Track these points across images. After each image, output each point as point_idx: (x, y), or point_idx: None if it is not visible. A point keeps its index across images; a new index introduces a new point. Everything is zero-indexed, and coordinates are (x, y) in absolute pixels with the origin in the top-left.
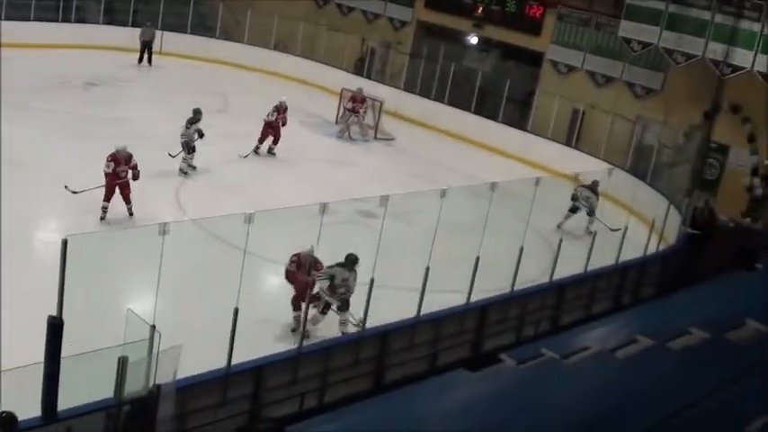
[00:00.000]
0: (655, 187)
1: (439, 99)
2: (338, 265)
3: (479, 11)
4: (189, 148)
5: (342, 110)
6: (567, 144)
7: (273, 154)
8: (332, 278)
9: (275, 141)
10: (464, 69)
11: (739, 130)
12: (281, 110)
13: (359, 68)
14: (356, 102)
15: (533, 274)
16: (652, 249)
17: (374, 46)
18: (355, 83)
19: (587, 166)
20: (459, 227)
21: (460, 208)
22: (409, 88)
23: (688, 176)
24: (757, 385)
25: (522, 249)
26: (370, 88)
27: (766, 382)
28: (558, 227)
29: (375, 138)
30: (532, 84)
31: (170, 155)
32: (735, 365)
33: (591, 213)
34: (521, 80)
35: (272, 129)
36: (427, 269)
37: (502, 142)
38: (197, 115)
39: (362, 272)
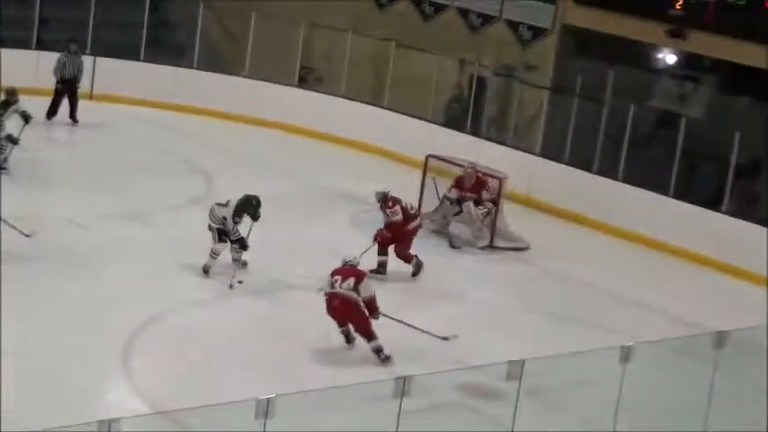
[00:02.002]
0: None
1: (607, 172)
2: None
3: (678, 5)
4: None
5: (439, 198)
6: None
7: None
8: None
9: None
10: (653, 114)
11: None
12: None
13: (453, 113)
14: (464, 188)
15: None
16: None
17: (484, 74)
18: (446, 141)
19: None
20: None
21: None
22: (551, 152)
23: None
24: None
25: None
26: (475, 151)
27: None
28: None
29: (492, 245)
30: None
31: None
32: None
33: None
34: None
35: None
36: None
37: None
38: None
39: None
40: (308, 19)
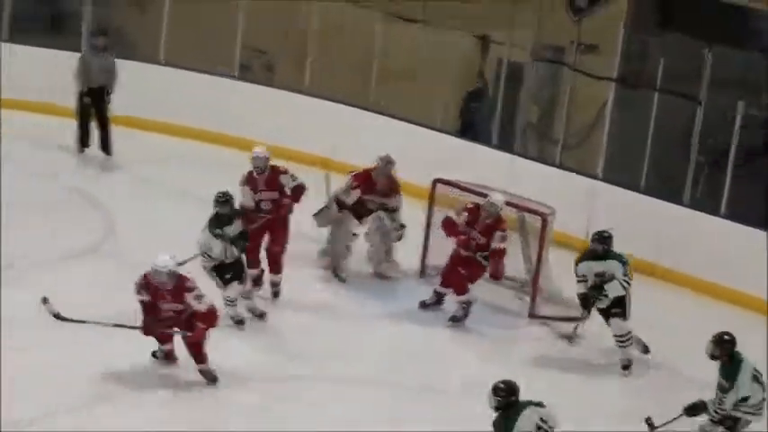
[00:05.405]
0: None
1: (704, 204)
2: None
3: None
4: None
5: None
6: None
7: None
8: None
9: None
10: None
11: None
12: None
13: (472, 117)
14: (373, 189)
15: None
16: None
17: (518, 59)
18: (462, 159)
19: None
20: None
21: None
22: (618, 176)
23: None
24: None
25: None
26: (506, 173)
27: None
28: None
29: (532, 313)
30: None
31: None
32: None
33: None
34: None
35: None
36: None
37: None
38: None
39: None
40: None
